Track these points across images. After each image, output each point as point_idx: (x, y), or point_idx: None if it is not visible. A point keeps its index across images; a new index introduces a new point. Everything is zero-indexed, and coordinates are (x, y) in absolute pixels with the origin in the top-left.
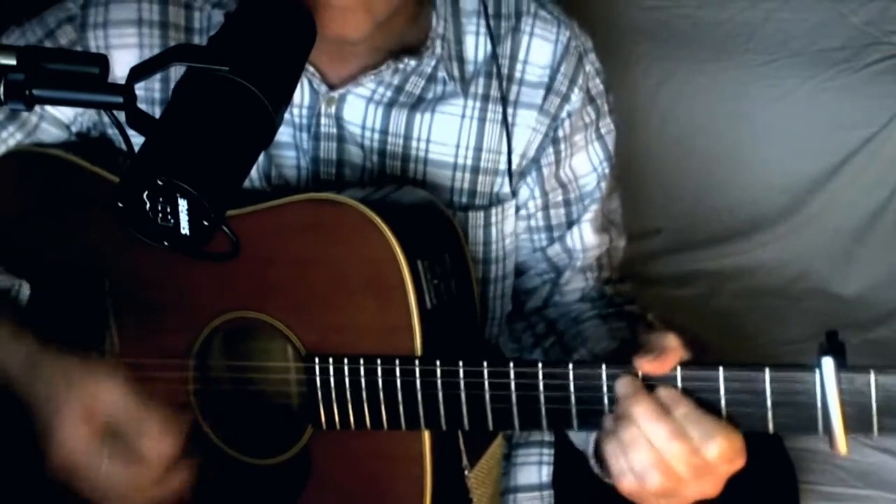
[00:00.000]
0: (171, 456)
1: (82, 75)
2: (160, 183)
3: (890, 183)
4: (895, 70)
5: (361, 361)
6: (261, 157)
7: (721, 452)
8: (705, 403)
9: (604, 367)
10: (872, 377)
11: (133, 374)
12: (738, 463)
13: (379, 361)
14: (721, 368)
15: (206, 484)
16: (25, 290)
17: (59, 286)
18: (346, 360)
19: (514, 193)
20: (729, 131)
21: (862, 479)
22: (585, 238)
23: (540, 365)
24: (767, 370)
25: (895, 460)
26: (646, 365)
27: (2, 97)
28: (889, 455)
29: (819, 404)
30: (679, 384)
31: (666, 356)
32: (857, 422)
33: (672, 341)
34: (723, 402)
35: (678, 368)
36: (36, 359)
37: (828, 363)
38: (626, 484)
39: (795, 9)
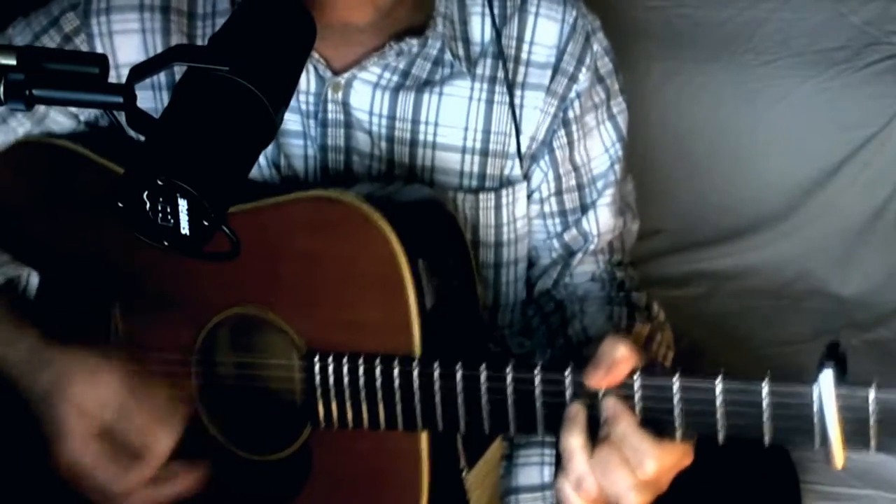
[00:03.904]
0: (168, 454)
1: (82, 75)
2: (160, 183)
3: (890, 183)
4: (895, 70)
5: (360, 360)
6: (269, 146)
7: (657, 471)
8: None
9: None
10: (872, 393)
11: (133, 371)
12: (683, 465)
13: (377, 361)
14: (719, 379)
15: (206, 479)
16: (34, 279)
17: (66, 278)
18: (344, 359)
19: (526, 176)
20: (729, 131)
21: (862, 478)
22: (602, 222)
23: (538, 369)
24: (766, 382)
25: (895, 460)
26: (600, 382)
27: (2, 97)
28: (889, 455)
29: (816, 419)
30: (675, 395)
31: (617, 368)
32: (854, 437)
33: (622, 350)
34: (718, 413)
35: (676, 379)
36: (37, 353)
37: (826, 377)
38: (559, 490)
39: (795, 9)
